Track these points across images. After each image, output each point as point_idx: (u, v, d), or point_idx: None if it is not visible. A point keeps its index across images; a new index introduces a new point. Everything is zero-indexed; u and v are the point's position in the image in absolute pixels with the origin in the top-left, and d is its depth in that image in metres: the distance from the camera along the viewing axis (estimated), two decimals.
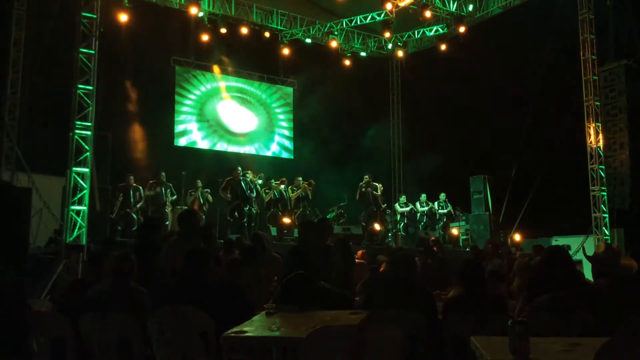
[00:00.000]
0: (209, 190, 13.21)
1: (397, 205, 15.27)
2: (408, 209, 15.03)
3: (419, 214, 15.07)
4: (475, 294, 3.96)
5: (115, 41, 12.59)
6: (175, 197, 12.62)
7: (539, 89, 13.68)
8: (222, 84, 16.78)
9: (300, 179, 14.24)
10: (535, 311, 3.57)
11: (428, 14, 14.33)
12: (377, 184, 14.25)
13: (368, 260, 7.49)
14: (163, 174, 12.57)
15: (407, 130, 18.22)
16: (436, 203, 15.13)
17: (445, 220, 15.15)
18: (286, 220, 13.02)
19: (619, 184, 12.69)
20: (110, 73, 12.02)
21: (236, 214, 12.73)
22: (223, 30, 14.83)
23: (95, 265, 4.53)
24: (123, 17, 13.19)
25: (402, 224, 15.00)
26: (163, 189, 12.43)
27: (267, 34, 15.75)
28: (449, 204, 15.10)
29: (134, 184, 12.12)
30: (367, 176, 14.25)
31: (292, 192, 14.07)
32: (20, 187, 9.47)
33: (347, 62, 17.16)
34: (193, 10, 13.67)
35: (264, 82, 17.50)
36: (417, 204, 15.11)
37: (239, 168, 13.06)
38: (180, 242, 5.17)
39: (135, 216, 12.01)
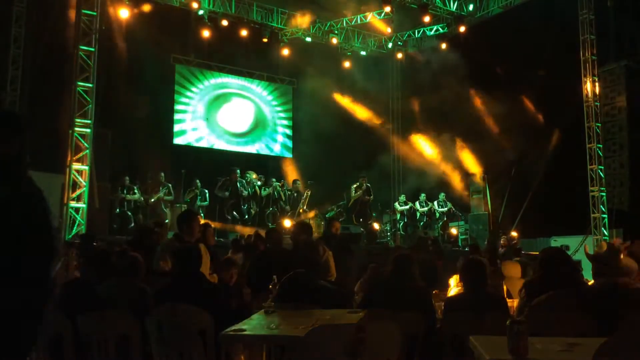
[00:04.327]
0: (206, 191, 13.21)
1: (396, 204, 15.30)
2: (407, 207, 15.05)
3: (418, 214, 15.09)
4: (477, 294, 3.96)
5: (115, 39, 12.58)
6: (172, 197, 12.63)
7: (538, 89, 13.68)
8: (222, 82, 16.77)
9: (299, 182, 14.23)
10: (534, 311, 3.57)
11: (427, 19, 14.46)
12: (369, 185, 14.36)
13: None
14: (162, 174, 12.61)
15: (406, 129, 18.20)
16: (435, 202, 15.14)
17: (445, 219, 15.15)
18: (286, 221, 13.02)
19: (618, 184, 12.69)
20: (110, 71, 12.01)
21: (235, 213, 12.78)
22: (223, 27, 14.82)
23: (97, 263, 4.52)
24: (123, 14, 13.18)
25: (401, 224, 15.02)
26: (161, 189, 12.46)
27: (265, 39, 15.74)
28: (448, 203, 15.10)
29: (128, 184, 12.18)
30: (363, 179, 14.33)
31: (288, 193, 14.09)
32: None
33: (347, 61, 17.16)
34: (194, 5, 13.67)
35: (263, 80, 17.48)
36: (417, 204, 15.13)
37: (237, 170, 13.09)
38: (175, 242, 5.18)
39: (130, 214, 12.09)
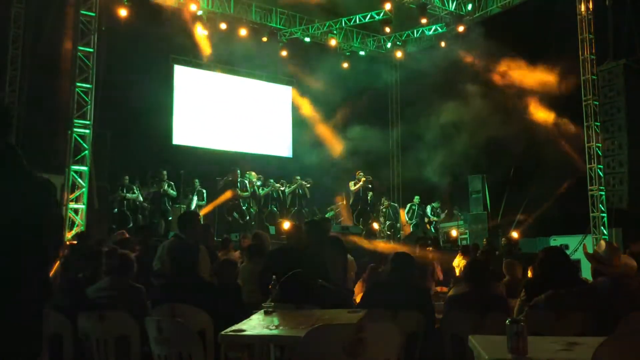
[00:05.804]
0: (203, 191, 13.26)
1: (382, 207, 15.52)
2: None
3: (407, 217, 15.25)
4: (479, 293, 3.96)
5: (114, 39, 12.57)
6: (175, 192, 12.71)
7: (537, 89, 13.70)
8: (221, 82, 16.75)
9: (298, 177, 14.40)
10: (533, 310, 3.57)
11: (424, 20, 14.54)
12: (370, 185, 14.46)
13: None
14: (165, 172, 12.64)
15: (405, 129, 18.21)
16: (429, 207, 15.25)
17: (435, 223, 15.29)
18: (286, 223, 13.06)
19: (618, 183, 12.66)
20: (109, 71, 12.00)
21: (235, 214, 12.81)
22: (222, 29, 14.83)
23: (92, 262, 4.52)
24: (122, 14, 13.20)
25: (388, 223, 15.19)
26: (165, 186, 12.51)
27: (264, 39, 15.75)
28: (439, 210, 15.23)
29: (128, 184, 12.22)
30: (361, 174, 14.41)
31: (289, 189, 14.24)
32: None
33: (346, 61, 17.16)
34: (192, 7, 13.66)
35: (262, 80, 17.46)
36: (408, 206, 15.34)
37: (238, 170, 13.13)
38: (177, 242, 5.17)
39: (130, 215, 12.12)
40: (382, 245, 11.25)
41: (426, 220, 15.33)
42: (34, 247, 2.01)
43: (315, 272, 4.31)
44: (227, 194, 12.94)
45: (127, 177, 12.32)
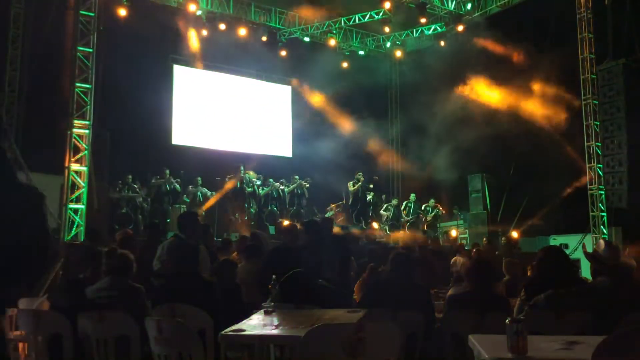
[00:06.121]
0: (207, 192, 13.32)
1: (382, 211, 15.55)
2: (391, 211, 15.30)
3: (404, 214, 15.29)
4: (480, 293, 3.96)
5: (114, 39, 12.57)
6: (180, 188, 12.80)
7: (536, 87, 13.70)
8: (220, 82, 16.73)
9: (297, 177, 14.41)
10: (533, 310, 3.57)
11: (423, 20, 14.55)
12: (370, 185, 14.49)
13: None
14: (167, 170, 12.69)
15: (405, 129, 18.21)
16: (424, 206, 15.27)
17: (430, 220, 15.34)
18: (285, 222, 13.08)
19: (617, 182, 12.68)
20: (108, 71, 12.00)
21: (237, 214, 12.85)
22: (221, 28, 14.83)
23: (92, 262, 4.51)
24: (121, 13, 13.20)
25: (389, 224, 15.21)
26: (167, 186, 12.54)
27: (264, 38, 15.75)
28: (436, 209, 15.25)
29: (131, 183, 12.26)
30: (360, 174, 14.44)
31: (288, 189, 14.28)
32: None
33: (345, 61, 17.15)
34: (191, 7, 13.65)
35: (262, 80, 17.45)
36: (404, 204, 15.38)
37: (242, 166, 13.17)
38: (177, 242, 5.17)
39: (132, 215, 12.14)
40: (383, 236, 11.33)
41: (422, 217, 15.36)
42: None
43: (311, 271, 4.31)
44: (231, 183, 13.06)
45: (130, 177, 12.37)
